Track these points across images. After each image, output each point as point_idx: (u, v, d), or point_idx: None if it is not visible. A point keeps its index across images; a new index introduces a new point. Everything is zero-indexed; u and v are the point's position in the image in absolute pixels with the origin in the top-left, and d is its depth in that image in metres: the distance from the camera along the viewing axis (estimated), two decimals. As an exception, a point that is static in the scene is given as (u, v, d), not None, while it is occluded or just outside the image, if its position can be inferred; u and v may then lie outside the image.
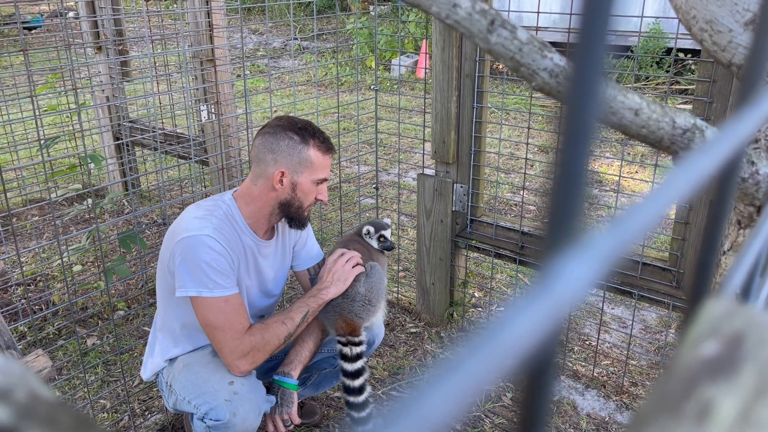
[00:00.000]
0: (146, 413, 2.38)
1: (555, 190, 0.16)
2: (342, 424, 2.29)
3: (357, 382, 1.96)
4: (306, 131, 1.85)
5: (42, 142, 2.38)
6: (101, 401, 2.44)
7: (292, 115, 2.01)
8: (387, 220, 2.22)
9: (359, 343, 1.98)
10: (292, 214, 1.90)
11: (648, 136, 0.82)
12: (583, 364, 2.66)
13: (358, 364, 1.97)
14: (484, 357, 0.14)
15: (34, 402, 0.17)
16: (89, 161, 2.57)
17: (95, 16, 3.58)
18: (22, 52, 2.11)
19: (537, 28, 2.37)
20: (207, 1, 2.97)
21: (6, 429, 0.16)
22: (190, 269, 1.74)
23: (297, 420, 1.97)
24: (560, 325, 0.15)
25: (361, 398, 1.97)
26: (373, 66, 5.84)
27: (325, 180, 1.90)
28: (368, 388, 1.99)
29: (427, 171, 2.85)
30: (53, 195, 3.26)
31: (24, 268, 3.18)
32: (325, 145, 1.88)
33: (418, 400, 0.14)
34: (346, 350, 1.97)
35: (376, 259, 2.11)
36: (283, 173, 1.82)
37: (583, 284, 0.15)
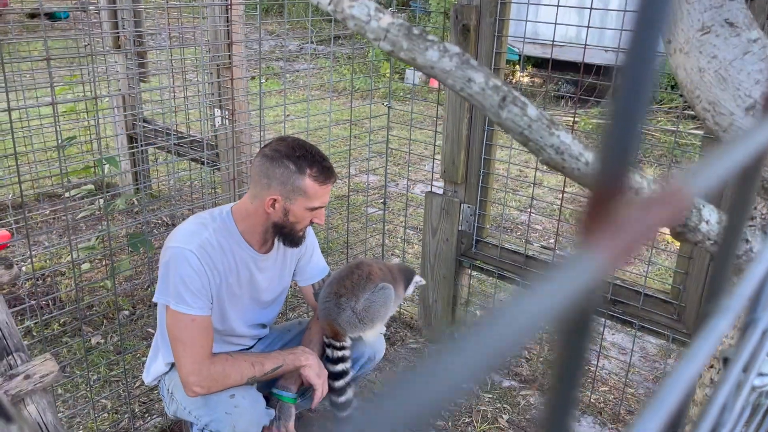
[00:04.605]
0: (146, 416, 2.42)
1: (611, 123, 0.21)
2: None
3: (338, 384, 2.01)
4: (304, 160, 1.79)
5: (59, 135, 2.41)
6: (102, 401, 2.48)
7: (296, 137, 1.93)
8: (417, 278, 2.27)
9: (340, 348, 2.03)
10: (285, 234, 1.91)
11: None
12: (580, 390, 2.68)
13: (339, 367, 2.02)
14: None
15: None
16: (105, 163, 2.61)
17: (115, 6, 3.61)
18: (41, 40, 2.13)
19: (553, 43, 2.37)
20: (227, 9, 3.00)
21: None
22: (165, 278, 1.78)
23: (294, 434, 2.01)
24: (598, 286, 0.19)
25: (342, 399, 2.03)
26: (387, 73, 5.85)
27: (321, 207, 1.88)
28: (350, 391, 2.04)
29: (435, 189, 2.88)
30: (68, 193, 3.30)
31: (34, 263, 3.22)
32: (324, 176, 1.82)
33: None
34: (328, 351, 2.04)
35: (396, 286, 2.13)
36: (275, 200, 1.81)
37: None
